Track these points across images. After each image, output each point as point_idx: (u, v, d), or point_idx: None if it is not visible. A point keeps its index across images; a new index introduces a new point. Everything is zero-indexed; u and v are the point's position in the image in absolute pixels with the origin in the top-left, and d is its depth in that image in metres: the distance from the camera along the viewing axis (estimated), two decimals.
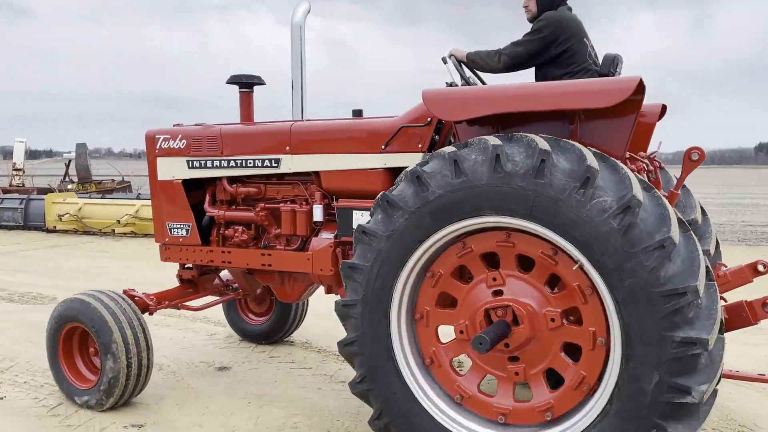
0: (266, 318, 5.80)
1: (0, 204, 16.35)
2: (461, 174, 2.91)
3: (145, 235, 14.38)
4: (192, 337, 6.09)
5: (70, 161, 21.75)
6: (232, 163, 4.55)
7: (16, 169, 20.07)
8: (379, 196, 3.16)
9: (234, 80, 4.83)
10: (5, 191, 17.62)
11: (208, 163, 4.64)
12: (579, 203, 2.68)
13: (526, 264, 3.08)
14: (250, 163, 4.49)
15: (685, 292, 2.53)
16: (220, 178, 4.66)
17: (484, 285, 3.15)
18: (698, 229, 4.05)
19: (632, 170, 3.02)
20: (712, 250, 4.09)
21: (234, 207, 4.68)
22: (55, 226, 15.01)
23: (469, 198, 2.91)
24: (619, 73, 3.88)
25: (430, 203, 2.99)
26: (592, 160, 2.70)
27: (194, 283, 5.03)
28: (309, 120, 4.56)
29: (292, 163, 4.30)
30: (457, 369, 3.36)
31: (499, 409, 3.13)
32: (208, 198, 4.76)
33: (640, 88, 2.94)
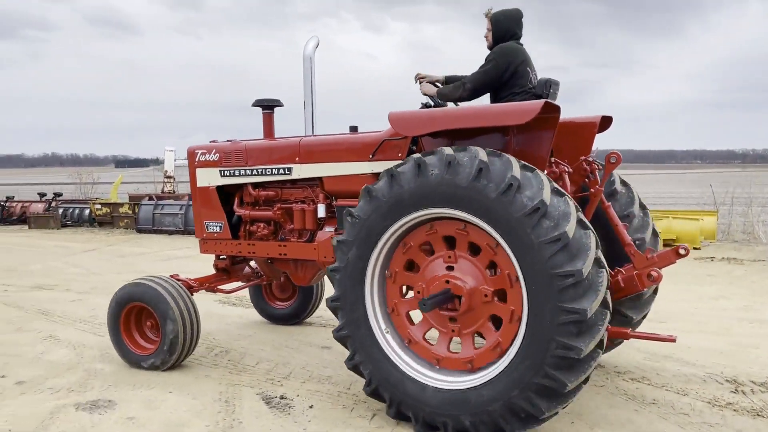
0: (290, 303, 6.88)
1: (161, 210, 17.22)
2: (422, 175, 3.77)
3: None
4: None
5: None
6: (255, 172, 5.54)
7: (168, 177, 21.19)
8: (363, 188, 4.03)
9: (258, 103, 5.74)
10: (159, 198, 18.56)
11: (236, 172, 5.65)
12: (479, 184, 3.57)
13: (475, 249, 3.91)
14: (268, 171, 5.46)
15: (559, 238, 3.37)
16: (245, 184, 5.65)
17: (441, 260, 3.99)
18: (635, 221, 4.78)
19: (555, 172, 4.45)
20: (648, 239, 4.74)
21: (257, 207, 5.66)
22: None
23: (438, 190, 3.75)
24: (555, 94, 4.57)
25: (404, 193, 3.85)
26: (483, 156, 3.62)
27: (227, 270, 6.05)
28: (315, 135, 5.54)
29: (301, 171, 5.26)
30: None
31: (435, 355, 4.02)
32: (236, 200, 5.77)
33: (550, 108, 3.84)
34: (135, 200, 18.97)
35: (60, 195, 21.29)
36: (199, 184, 5.88)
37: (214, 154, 5.77)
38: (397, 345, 4.12)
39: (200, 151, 5.87)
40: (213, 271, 6.10)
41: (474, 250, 3.90)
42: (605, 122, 4.72)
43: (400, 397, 3.98)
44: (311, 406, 4.46)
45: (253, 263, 6.27)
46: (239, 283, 6.20)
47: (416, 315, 4.20)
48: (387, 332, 4.15)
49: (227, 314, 7.44)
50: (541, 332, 3.45)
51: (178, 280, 5.49)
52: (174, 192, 20.68)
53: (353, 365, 4.20)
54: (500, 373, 3.65)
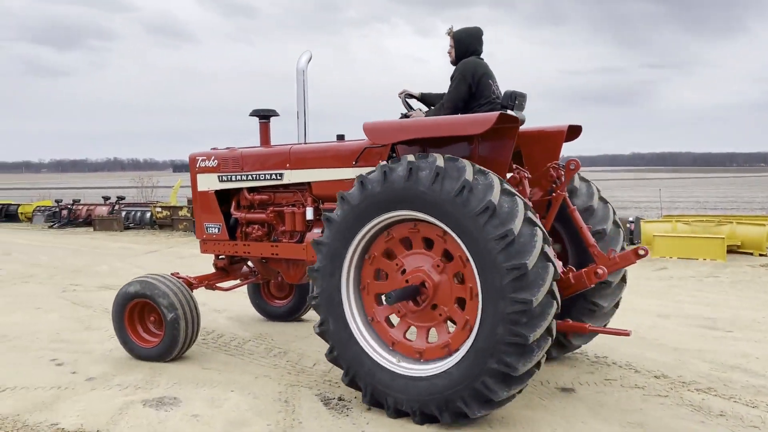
0: (287, 301, 7.29)
1: None
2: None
3: None
4: None
5: None
6: (250, 177, 5.96)
7: None
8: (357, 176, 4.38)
9: (254, 113, 6.17)
10: None
11: (233, 177, 6.09)
12: (433, 184, 3.99)
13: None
14: (262, 176, 5.87)
15: (506, 234, 3.73)
16: (241, 189, 6.08)
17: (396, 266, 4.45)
18: (608, 236, 5.03)
19: (516, 177, 4.73)
20: (618, 249, 4.98)
21: (252, 210, 6.08)
22: None
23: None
24: (521, 105, 4.91)
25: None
26: (440, 161, 4.03)
27: (226, 270, 6.48)
28: (304, 143, 5.98)
29: (291, 176, 5.69)
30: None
31: (417, 349, 4.38)
32: (233, 204, 6.19)
33: (509, 119, 4.32)
34: None
35: (123, 198, 22.11)
36: (199, 189, 6.32)
37: (213, 160, 6.22)
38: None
39: (201, 158, 6.30)
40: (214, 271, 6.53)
41: (428, 244, 4.36)
42: (575, 131, 5.05)
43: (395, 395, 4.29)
44: (369, 409, 4.49)
45: (250, 262, 6.65)
46: (237, 282, 6.65)
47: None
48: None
49: None
50: (493, 317, 3.81)
51: (179, 277, 5.88)
52: None
53: (347, 382, 4.54)
54: (460, 359, 4.03)
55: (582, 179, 5.22)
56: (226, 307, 7.92)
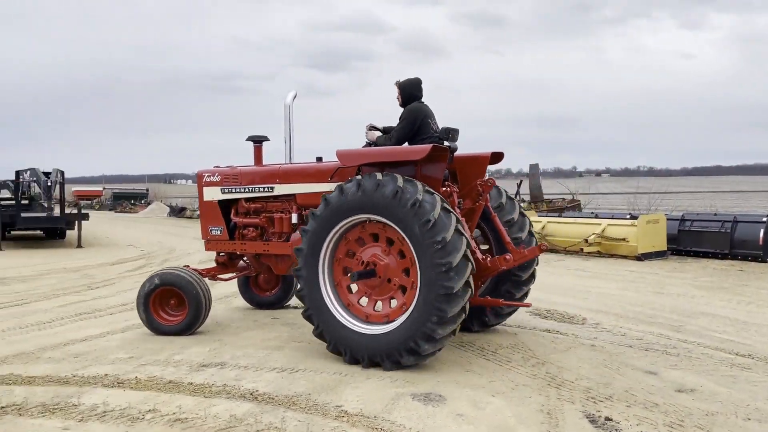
0: (273, 293, 8.75)
1: None
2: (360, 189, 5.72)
3: (612, 255, 13.96)
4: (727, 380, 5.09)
5: (521, 180, 23.15)
6: (247, 190, 7.54)
7: None
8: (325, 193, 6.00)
9: (249, 139, 7.79)
10: None
11: (233, 190, 7.66)
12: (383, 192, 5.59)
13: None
14: (256, 189, 7.45)
15: (441, 240, 5.28)
16: (239, 199, 7.63)
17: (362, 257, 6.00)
18: (516, 224, 6.92)
19: (447, 191, 6.25)
20: (524, 236, 6.89)
21: (248, 216, 7.57)
22: None
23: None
24: (455, 137, 6.36)
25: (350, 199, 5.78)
26: (400, 181, 5.52)
27: (226, 264, 8.02)
28: (292, 163, 7.52)
29: (280, 189, 7.27)
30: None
31: (364, 312, 6.00)
32: (233, 211, 7.71)
33: (440, 149, 5.90)
34: None
35: None
36: (205, 199, 7.88)
37: (217, 176, 7.78)
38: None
39: (206, 174, 7.89)
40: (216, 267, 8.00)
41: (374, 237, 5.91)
42: (498, 156, 6.65)
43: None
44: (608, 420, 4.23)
45: (245, 258, 8.04)
46: (233, 274, 8.11)
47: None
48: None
49: (538, 326, 7.50)
50: (425, 296, 5.37)
51: (193, 269, 7.29)
52: None
53: (317, 334, 6.14)
54: (402, 322, 5.55)
55: (495, 187, 6.71)
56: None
